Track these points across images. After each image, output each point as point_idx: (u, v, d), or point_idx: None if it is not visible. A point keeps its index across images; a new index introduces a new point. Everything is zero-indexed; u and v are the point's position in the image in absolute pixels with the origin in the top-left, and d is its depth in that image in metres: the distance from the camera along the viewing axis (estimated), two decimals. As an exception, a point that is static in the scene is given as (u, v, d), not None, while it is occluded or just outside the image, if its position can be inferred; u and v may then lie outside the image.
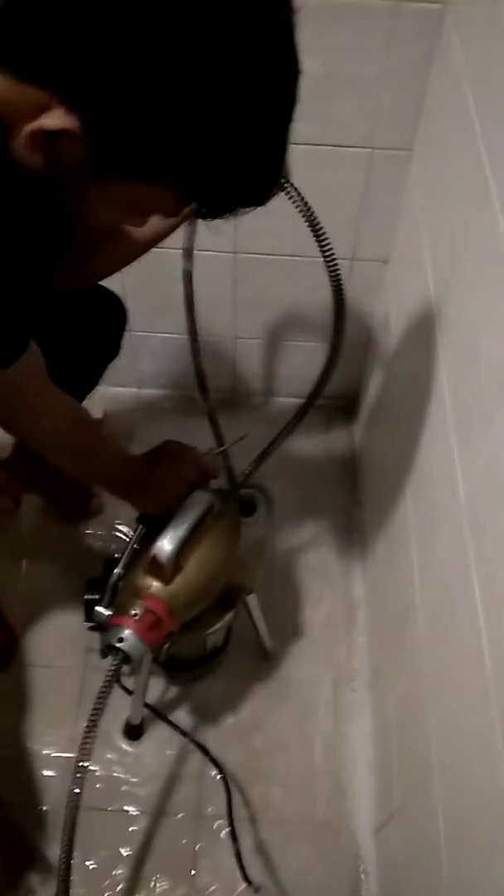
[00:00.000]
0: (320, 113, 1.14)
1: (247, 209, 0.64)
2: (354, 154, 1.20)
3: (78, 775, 0.90)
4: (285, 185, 0.91)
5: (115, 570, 0.99)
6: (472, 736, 0.75)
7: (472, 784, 0.75)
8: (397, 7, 1.01)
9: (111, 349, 1.19)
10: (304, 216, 0.93)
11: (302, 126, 1.16)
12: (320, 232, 0.94)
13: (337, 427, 1.72)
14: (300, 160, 1.20)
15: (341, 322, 1.06)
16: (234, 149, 0.58)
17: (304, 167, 1.22)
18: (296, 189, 0.91)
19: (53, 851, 1.14)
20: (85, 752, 0.91)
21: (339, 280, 0.98)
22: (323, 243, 0.95)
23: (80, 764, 0.92)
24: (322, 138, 1.18)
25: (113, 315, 1.16)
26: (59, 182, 0.61)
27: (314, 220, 0.93)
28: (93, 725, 0.91)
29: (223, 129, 0.56)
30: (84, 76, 0.53)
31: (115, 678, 0.93)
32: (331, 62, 1.07)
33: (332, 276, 0.98)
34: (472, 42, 0.91)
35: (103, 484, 1.03)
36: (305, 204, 0.92)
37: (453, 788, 0.81)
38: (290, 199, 0.91)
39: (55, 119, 0.55)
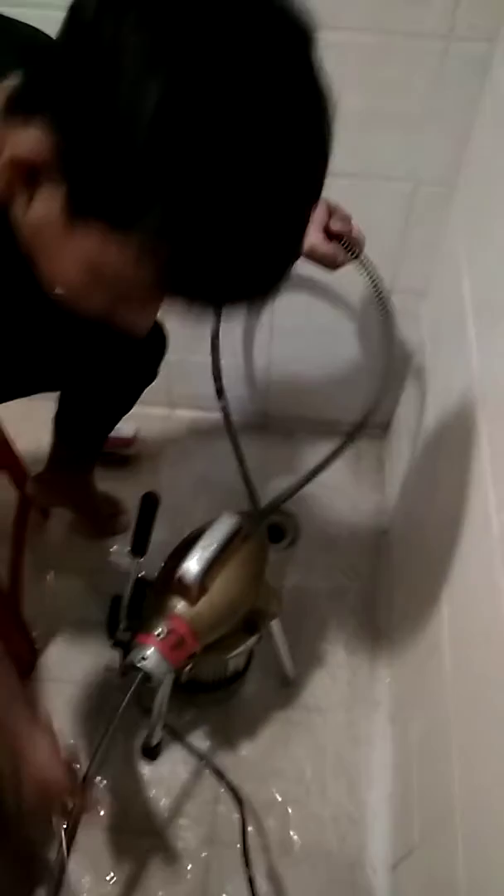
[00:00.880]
0: (366, 146, 1.15)
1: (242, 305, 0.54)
2: (397, 188, 1.22)
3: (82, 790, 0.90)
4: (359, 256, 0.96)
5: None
6: (497, 775, 0.73)
7: (495, 824, 0.73)
8: (446, 47, 1.02)
9: (148, 374, 1.20)
10: (374, 288, 1.00)
11: (347, 158, 1.18)
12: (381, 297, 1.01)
13: (367, 456, 1.72)
14: (344, 191, 1.22)
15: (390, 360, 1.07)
16: (219, 204, 0.47)
17: (348, 197, 1.24)
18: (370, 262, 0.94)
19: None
20: (94, 765, 0.91)
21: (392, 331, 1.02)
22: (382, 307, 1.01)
23: (93, 776, 0.92)
24: (367, 170, 1.19)
25: (153, 340, 1.17)
26: (35, 231, 0.55)
27: (380, 291, 1.01)
28: (104, 738, 0.91)
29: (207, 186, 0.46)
30: (59, 97, 0.47)
31: (133, 696, 0.93)
32: (379, 97, 1.09)
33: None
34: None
35: None
36: (374, 279, 0.99)
37: (475, 828, 0.79)
38: (362, 271, 0.99)
39: (26, 143, 0.49)
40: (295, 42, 0.47)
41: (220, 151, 0.44)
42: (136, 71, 0.43)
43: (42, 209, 0.51)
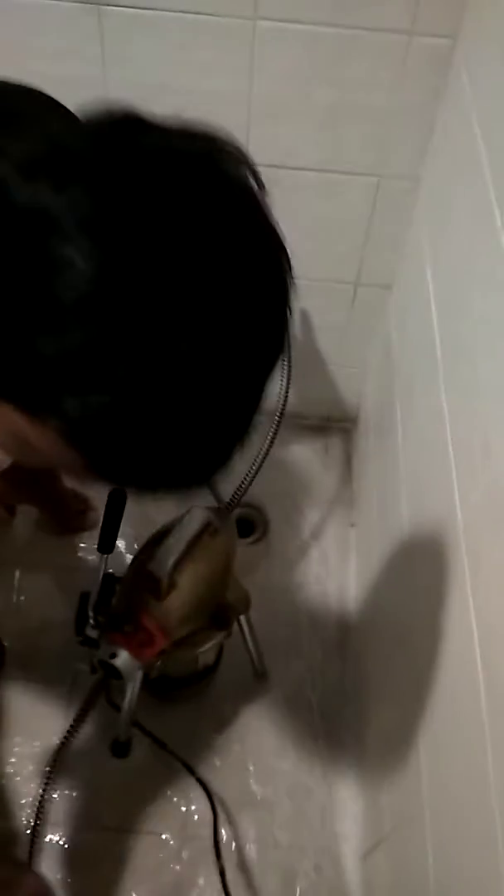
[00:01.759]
0: (330, 140, 1.15)
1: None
2: (362, 181, 1.22)
3: (47, 781, 0.90)
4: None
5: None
6: (462, 765, 0.74)
7: (462, 814, 0.74)
8: (409, 41, 1.03)
9: None
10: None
11: (312, 152, 1.19)
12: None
13: (335, 448, 1.73)
14: (310, 184, 1.23)
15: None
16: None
17: (313, 192, 1.25)
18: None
19: (38, 868, 1.13)
20: (57, 760, 0.90)
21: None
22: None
23: (49, 770, 0.91)
24: (331, 164, 1.20)
25: None
26: None
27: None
28: (69, 733, 0.91)
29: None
30: None
31: (101, 694, 0.93)
32: (342, 91, 1.09)
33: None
34: (481, 77, 0.93)
35: None
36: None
37: (444, 817, 0.80)
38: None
39: None
40: (241, 208, 0.42)
41: (149, 346, 0.38)
42: (62, 250, 0.36)
43: None
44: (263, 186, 0.43)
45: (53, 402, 0.39)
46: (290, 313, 0.45)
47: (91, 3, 1.04)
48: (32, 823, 1.16)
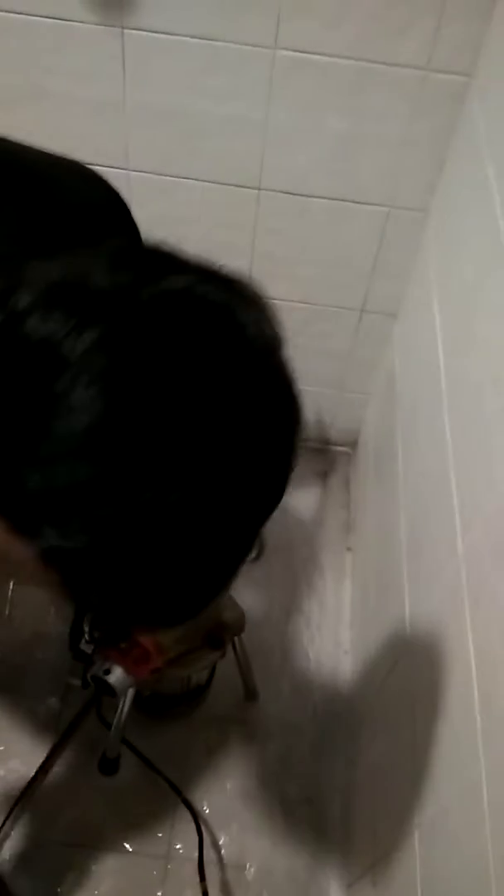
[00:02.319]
0: (342, 169, 1.17)
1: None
2: (372, 211, 1.24)
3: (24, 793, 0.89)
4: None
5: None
6: (456, 791, 0.74)
7: (453, 843, 0.74)
8: (425, 77, 1.05)
9: None
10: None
11: (325, 180, 1.21)
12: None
13: (335, 473, 1.73)
14: (321, 212, 1.25)
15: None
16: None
17: (323, 219, 1.26)
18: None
19: (20, 885, 1.12)
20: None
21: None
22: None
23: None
24: (342, 193, 1.21)
25: None
26: None
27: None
28: (57, 746, 0.90)
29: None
30: None
31: (92, 709, 0.92)
32: (357, 122, 1.11)
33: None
34: (495, 114, 0.95)
35: None
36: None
37: (433, 845, 0.80)
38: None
39: None
40: (255, 364, 0.41)
41: (135, 497, 0.37)
42: (66, 392, 0.36)
43: None
44: (281, 335, 0.43)
45: (34, 526, 0.39)
46: (293, 469, 0.44)
47: (115, 26, 1.06)
48: (4, 835, 1.15)
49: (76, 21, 1.07)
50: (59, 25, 1.07)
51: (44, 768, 1.20)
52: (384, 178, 1.19)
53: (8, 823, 1.15)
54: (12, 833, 1.16)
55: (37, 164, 0.60)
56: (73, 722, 1.26)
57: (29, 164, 0.59)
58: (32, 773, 1.21)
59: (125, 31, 1.07)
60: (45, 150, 0.61)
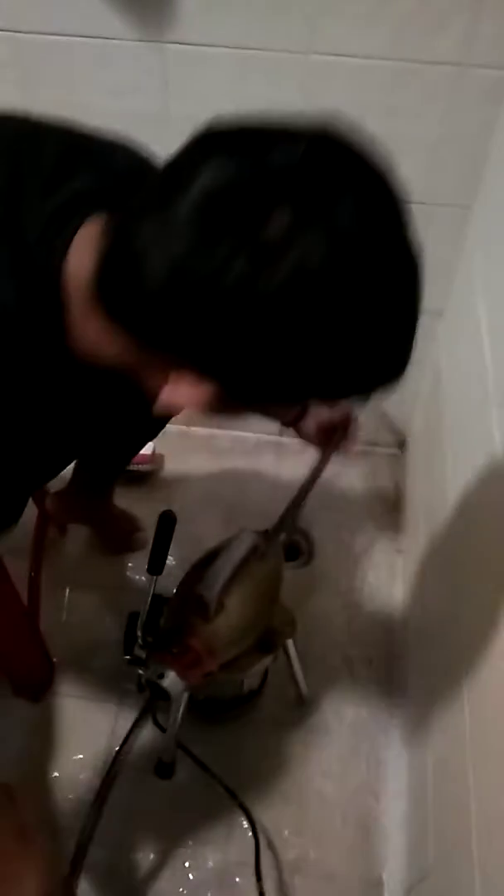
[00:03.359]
0: (383, 168, 1.17)
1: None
2: (414, 209, 1.22)
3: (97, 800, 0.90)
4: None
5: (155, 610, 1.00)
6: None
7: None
8: (462, 72, 1.04)
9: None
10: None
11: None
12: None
13: (381, 474, 1.72)
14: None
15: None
16: (369, 368, 0.55)
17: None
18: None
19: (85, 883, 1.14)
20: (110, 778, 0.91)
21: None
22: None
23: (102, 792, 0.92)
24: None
25: None
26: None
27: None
28: (117, 756, 0.92)
29: (357, 359, 0.53)
30: (215, 353, 0.51)
31: (149, 713, 0.94)
32: (394, 122, 1.11)
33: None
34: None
35: None
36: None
37: (491, 853, 0.79)
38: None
39: (189, 391, 0.54)
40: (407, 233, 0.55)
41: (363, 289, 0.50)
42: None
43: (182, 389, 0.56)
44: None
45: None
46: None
47: (155, 41, 1.08)
48: (78, 841, 1.16)
49: (117, 39, 1.10)
50: (101, 44, 1.10)
51: (109, 774, 1.22)
52: (423, 176, 1.18)
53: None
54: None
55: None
56: (131, 729, 1.27)
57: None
58: (95, 778, 1.23)
59: (165, 45, 1.09)
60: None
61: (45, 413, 0.67)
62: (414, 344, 0.57)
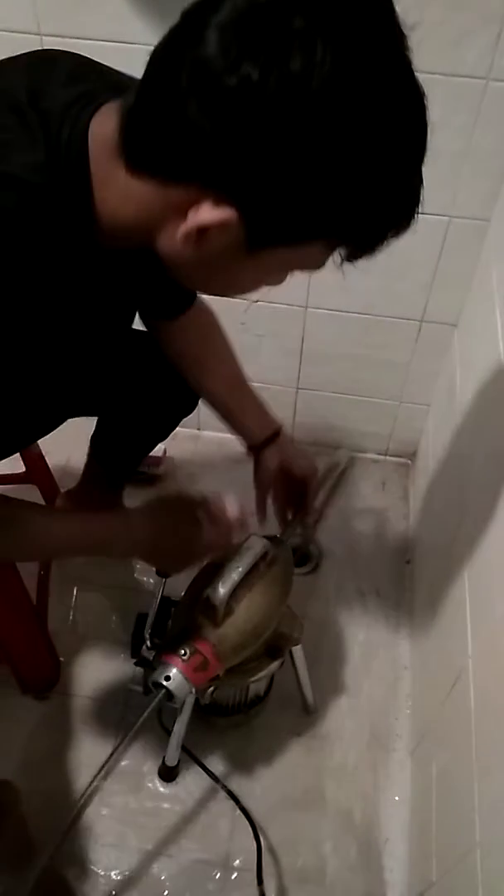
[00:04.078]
0: (402, 180, 1.17)
1: (398, 235, 0.63)
2: (431, 220, 1.23)
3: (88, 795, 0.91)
4: None
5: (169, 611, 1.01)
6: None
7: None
8: (486, 86, 1.04)
9: (187, 404, 1.23)
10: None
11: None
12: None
13: (392, 483, 1.72)
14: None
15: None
16: (383, 188, 0.58)
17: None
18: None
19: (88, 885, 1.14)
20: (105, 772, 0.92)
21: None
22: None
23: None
24: (402, 203, 1.21)
25: None
26: (210, 267, 0.63)
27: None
28: (118, 746, 0.92)
29: (372, 177, 0.56)
30: (234, 168, 0.53)
31: (153, 715, 0.94)
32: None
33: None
34: None
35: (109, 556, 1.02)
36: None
37: (494, 865, 0.78)
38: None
39: (210, 214, 0.55)
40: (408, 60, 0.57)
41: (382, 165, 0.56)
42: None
43: (217, 247, 0.59)
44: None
45: (316, 234, 0.59)
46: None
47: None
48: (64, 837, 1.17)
49: (140, 43, 1.10)
50: (126, 49, 1.11)
51: (104, 772, 1.23)
52: (444, 188, 1.18)
53: (72, 827, 1.18)
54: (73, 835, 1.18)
55: None
56: (133, 726, 1.28)
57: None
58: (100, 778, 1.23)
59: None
60: None
61: (70, 304, 0.68)
62: (421, 182, 0.62)
